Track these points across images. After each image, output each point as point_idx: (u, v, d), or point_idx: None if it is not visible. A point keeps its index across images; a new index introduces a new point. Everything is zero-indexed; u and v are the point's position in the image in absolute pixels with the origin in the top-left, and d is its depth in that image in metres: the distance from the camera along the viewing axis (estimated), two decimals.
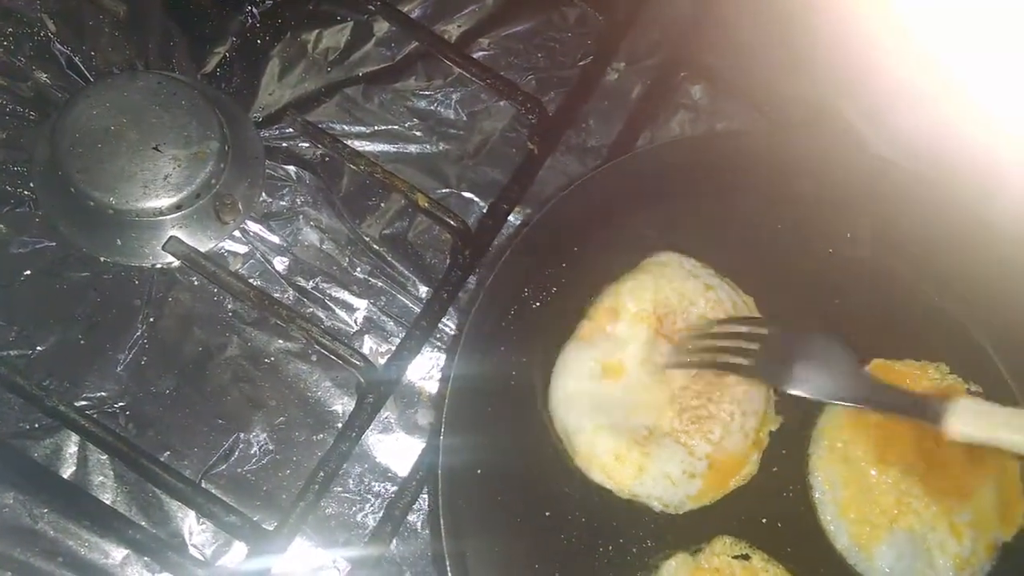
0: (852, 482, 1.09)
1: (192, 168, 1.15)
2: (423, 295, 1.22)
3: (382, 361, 1.17)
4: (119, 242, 1.15)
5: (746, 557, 1.04)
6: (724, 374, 1.08)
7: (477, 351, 1.00)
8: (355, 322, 1.20)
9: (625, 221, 1.14)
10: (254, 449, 1.11)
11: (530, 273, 1.09)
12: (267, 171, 1.24)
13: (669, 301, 1.10)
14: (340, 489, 1.12)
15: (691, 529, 1.05)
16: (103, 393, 1.10)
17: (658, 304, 1.09)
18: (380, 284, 1.22)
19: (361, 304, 1.21)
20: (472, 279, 1.22)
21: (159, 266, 1.16)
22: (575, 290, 1.12)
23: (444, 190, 1.29)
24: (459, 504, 0.96)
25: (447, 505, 0.92)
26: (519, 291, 1.09)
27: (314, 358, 1.17)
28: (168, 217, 1.15)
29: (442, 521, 0.91)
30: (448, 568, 0.89)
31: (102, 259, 1.15)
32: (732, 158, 1.19)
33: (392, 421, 1.16)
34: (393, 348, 1.17)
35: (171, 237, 1.11)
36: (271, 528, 1.05)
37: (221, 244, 1.19)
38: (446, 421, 0.94)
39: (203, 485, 1.07)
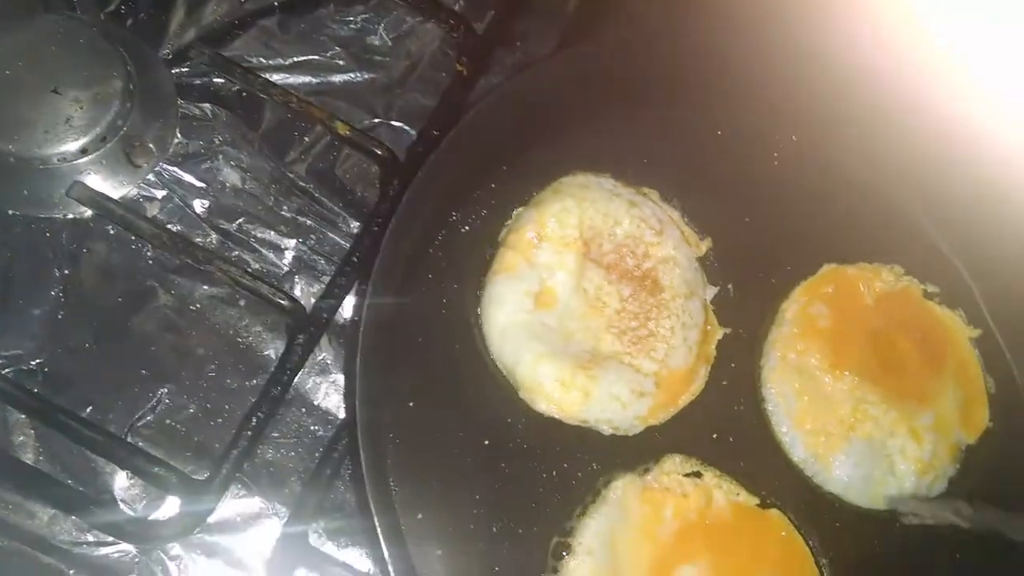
0: (806, 392, 1.05)
1: (95, 110, 1.08)
2: (355, 231, 1.17)
3: (314, 301, 1.12)
4: (26, 193, 1.09)
5: (698, 475, 1.01)
6: (659, 291, 1.04)
7: (396, 279, 0.95)
8: (284, 263, 1.15)
9: (557, 135, 1.08)
10: (183, 399, 1.06)
11: (456, 195, 1.04)
12: (181, 110, 1.17)
13: (595, 223, 1.05)
14: (277, 435, 1.08)
15: (639, 450, 1.01)
16: (19, 351, 1.04)
17: (584, 228, 1.04)
18: (308, 222, 1.17)
19: (289, 244, 1.15)
20: None
21: (70, 216, 1.10)
22: (507, 212, 1.07)
23: (373, 120, 1.23)
24: (388, 440, 0.92)
25: (367, 442, 0.87)
26: (445, 215, 1.03)
27: (242, 303, 1.11)
28: (75, 163, 1.08)
29: (363, 458, 0.86)
30: (372, 509, 0.84)
31: (9, 212, 1.09)
32: (668, 63, 1.12)
33: (329, 363, 1.12)
34: (325, 287, 1.12)
35: (75, 183, 1.05)
36: (203, 478, 1.01)
37: (136, 189, 1.13)
38: (362, 355, 0.88)
39: (130, 439, 1.03)
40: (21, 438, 1.02)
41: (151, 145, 1.13)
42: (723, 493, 1.00)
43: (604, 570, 0.94)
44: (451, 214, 1.04)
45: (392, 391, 0.94)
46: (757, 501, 1.01)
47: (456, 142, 0.98)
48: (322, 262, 1.15)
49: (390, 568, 0.85)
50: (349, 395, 1.08)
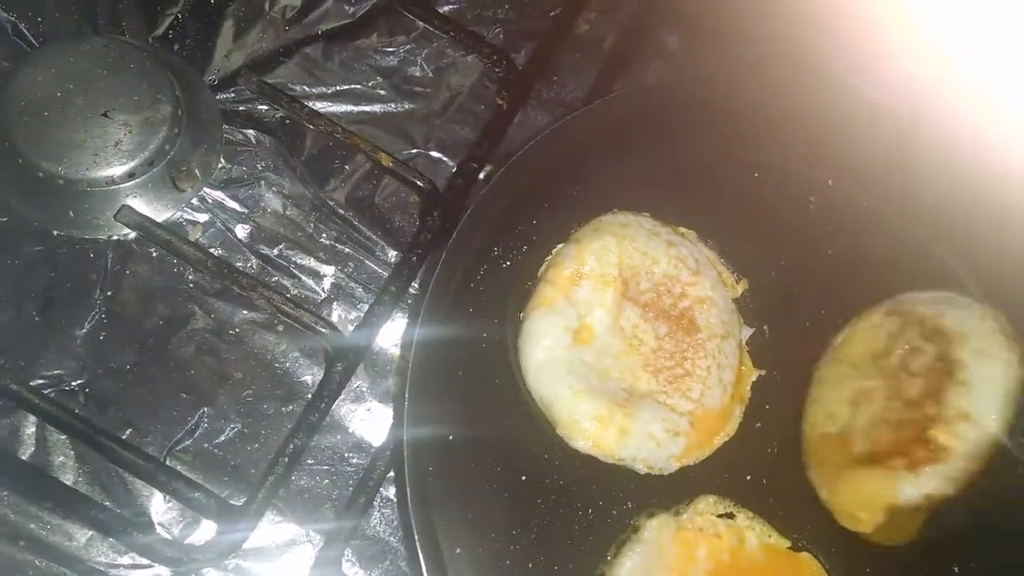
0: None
1: (144, 134, 1.10)
2: (392, 260, 1.18)
3: (352, 329, 1.13)
4: (72, 214, 1.10)
5: (731, 516, 1.01)
6: (695, 331, 1.05)
7: (442, 313, 0.96)
8: (322, 289, 1.16)
9: (597, 173, 1.10)
10: (221, 423, 1.07)
11: (499, 231, 1.05)
12: (225, 136, 1.19)
13: (633, 262, 1.06)
14: (312, 462, 1.08)
15: (673, 489, 1.01)
16: (60, 371, 1.06)
17: (623, 266, 1.06)
18: (347, 250, 1.18)
19: (328, 271, 1.17)
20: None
21: (115, 238, 1.11)
22: (547, 248, 1.08)
23: (411, 151, 1.25)
24: (428, 472, 0.92)
25: (413, 474, 0.88)
26: (488, 250, 1.04)
27: (281, 328, 1.13)
28: (121, 186, 1.10)
29: (408, 491, 0.87)
30: (416, 539, 0.85)
31: (55, 232, 1.11)
32: (707, 105, 1.14)
33: (364, 390, 1.13)
34: (362, 315, 1.13)
35: (123, 206, 1.06)
36: (239, 504, 1.01)
37: (180, 213, 1.15)
38: (410, 387, 0.90)
39: (168, 462, 1.04)
40: (60, 459, 1.03)
41: (196, 170, 1.14)
42: (756, 535, 1.01)
43: None
44: (493, 249, 1.05)
45: (433, 424, 0.95)
46: (789, 544, 1.01)
47: (502, 181, 0.99)
48: (359, 290, 1.17)
49: None
50: (393, 427, 1.08)
